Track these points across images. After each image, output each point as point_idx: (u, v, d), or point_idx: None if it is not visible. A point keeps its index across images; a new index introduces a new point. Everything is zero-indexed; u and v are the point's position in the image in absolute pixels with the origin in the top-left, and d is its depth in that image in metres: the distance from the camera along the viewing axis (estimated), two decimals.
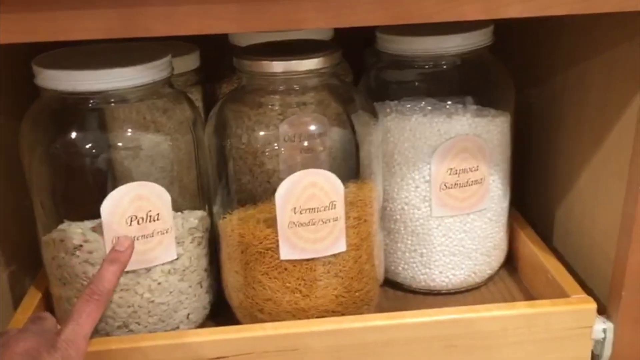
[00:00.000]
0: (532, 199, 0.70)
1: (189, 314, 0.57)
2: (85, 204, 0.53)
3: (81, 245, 0.53)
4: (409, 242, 0.62)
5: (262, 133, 0.55)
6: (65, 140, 0.52)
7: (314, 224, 0.53)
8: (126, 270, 0.53)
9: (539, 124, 0.68)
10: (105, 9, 0.39)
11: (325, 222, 0.54)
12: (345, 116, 0.55)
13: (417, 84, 0.61)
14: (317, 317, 0.55)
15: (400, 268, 0.64)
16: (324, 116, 0.54)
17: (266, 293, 0.56)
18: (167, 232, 0.54)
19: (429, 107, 0.59)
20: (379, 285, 0.61)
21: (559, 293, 0.57)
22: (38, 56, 0.54)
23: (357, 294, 0.57)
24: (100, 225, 0.52)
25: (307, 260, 0.55)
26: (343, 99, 0.56)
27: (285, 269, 0.55)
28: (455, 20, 0.44)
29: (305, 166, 0.53)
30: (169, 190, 0.54)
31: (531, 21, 0.46)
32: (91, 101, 0.52)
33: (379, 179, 0.58)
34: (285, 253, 0.54)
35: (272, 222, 0.54)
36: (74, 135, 0.52)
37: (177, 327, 0.57)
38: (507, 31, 0.61)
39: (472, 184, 0.60)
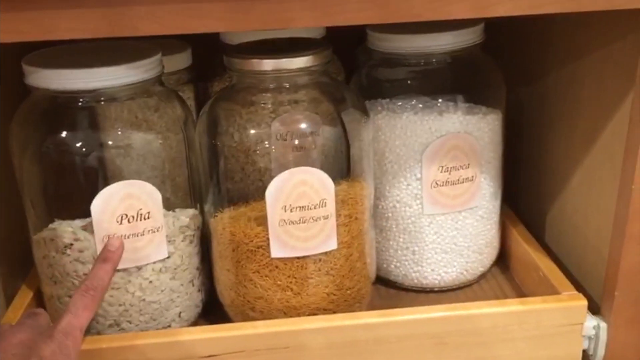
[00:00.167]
0: (525, 197, 0.71)
1: (180, 313, 0.57)
2: (76, 203, 0.53)
3: (72, 244, 0.53)
4: (401, 240, 0.62)
5: (253, 131, 0.55)
6: (55, 139, 0.52)
7: (304, 222, 0.53)
8: (117, 268, 0.53)
9: (531, 122, 0.68)
10: (91, 9, 0.39)
11: (316, 220, 0.54)
12: (336, 114, 0.56)
13: (408, 82, 0.61)
14: (308, 315, 0.56)
15: (392, 266, 0.64)
16: (316, 114, 0.54)
17: (257, 291, 0.56)
18: (158, 230, 0.54)
19: (420, 105, 0.59)
20: (371, 283, 0.61)
21: (551, 290, 0.57)
22: (28, 55, 0.53)
23: (348, 291, 0.57)
24: (90, 224, 0.52)
25: (298, 258, 0.55)
26: (334, 97, 0.56)
27: (277, 267, 0.55)
28: (444, 19, 0.44)
29: (297, 164, 0.53)
30: (160, 189, 0.54)
31: (522, 19, 0.46)
32: (81, 100, 0.52)
33: (370, 177, 0.58)
34: (276, 251, 0.54)
35: (263, 220, 0.54)
36: (64, 134, 0.52)
37: (169, 326, 0.57)
38: (498, 29, 0.61)
39: (463, 182, 0.60)
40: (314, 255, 0.55)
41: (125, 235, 0.52)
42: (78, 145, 0.52)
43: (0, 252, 0.60)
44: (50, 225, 0.54)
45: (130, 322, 0.55)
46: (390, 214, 0.62)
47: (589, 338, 0.54)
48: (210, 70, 0.69)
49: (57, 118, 0.53)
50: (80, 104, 0.52)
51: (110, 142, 0.53)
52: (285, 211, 0.53)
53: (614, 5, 0.45)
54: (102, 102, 0.52)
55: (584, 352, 0.55)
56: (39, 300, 0.59)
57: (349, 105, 0.56)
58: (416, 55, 0.59)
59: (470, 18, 0.44)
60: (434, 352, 0.53)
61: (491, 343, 0.54)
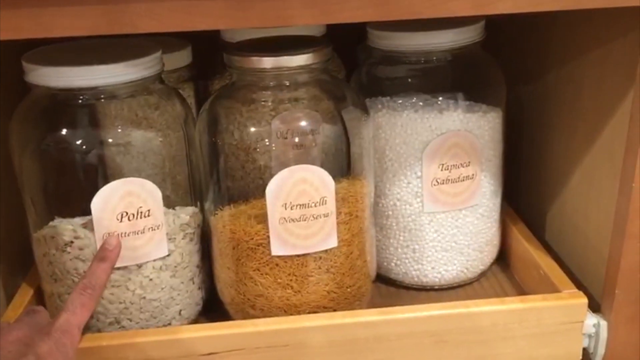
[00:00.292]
0: (525, 196, 0.70)
1: (180, 310, 0.57)
2: (76, 201, 0.53)
3: (72, 242, 0.53)
4: (401, 238, 0.62)
5: (253, 129, 0.55)
6: (55, 137, 0.52)
7: (304, 220, 0.53)
8: (117, 266, 0.53)
9: (531, 120, 0.68)
10: (91, 6, 0.39)
11: (316, 218, 0.54)
12: (337, 112, 0.55)
13: (408, 80, 0.61)
14: (308, 313, 0.56)
15: (392, 264, 0.64)
16: (316, 112, 0.54)
17: (258, 289, 0.56)
18: (158, 228, 0.54)
19: (421, 103, 0.59)
20: (372, 281, 0.61)
21: (551, 288, 0.57)
22: (28, 53, 0.53)
23: (348, 289, 0.57)
24: (91, 222, 0.52)
25: (299, 256, 0.55)
26: (334, 95, 0.56)
27: (277, 265, 0.55)
28: (445, 17, 0.44)
29: (297, 162, 0.53)
30: (160, 187, 0.54)
31: (523, 17, 0.46)
32: (81, 97, 0.52)
33: (371, 175, 0.58)
34: (277, 249, 0.54)
35: (263, 218, 0.54)
36: (64, 131, 0.52)
37: (169, 324, 0.57)
38: (498, 27, 0.61)
39: (463, 180, 0.60)
40: (314, 253, 0.55)
41: (125, 233, 0.52)
42: (78, 142, 0.52)
43: (1, 250, 0.60)
44: (51, 223, 0.54)
45: (130, 320, 0.55)
46: (390, 212, 0.62)
47: (589, 336, 0.54)
48: (210, 68, 0.69)
49: (57, 116, 0.53)
50: (80, 101, 0.52)
51: (110, 140, 0.53)
52: (286, 209, 0.53)
53: (614, 3, 0.45)
54: (102, 100, 0.52)
55: (584, 350, 0.55)
56: (39, 298, 0.59)
57: (349, 103, 0.56)
58: (416, 53, 0.59)
59: (470, 16, 0.44)
60: (434, 350, 0.53)
61: (491, 341, 0.54)
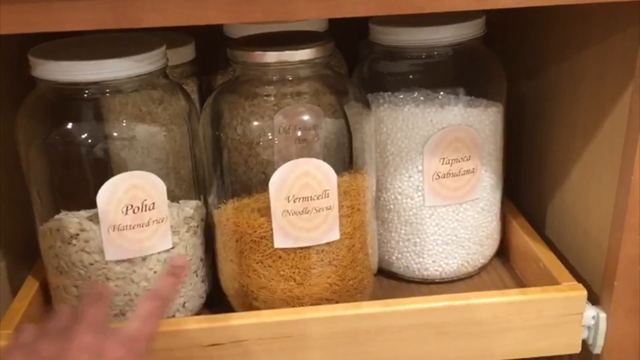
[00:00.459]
0: (525, 189, 0.71)
1: (184, 303, 0.58)
2: (82, 194, 0.54)
3: (77, 234, 0.54)
4: (403, 231, 0.63)
5: (256, 123, 0.55)
6: (61, 131, 0.53)
7: (307, 213, 0.54)
8: (122, 259, 0.53)
9: (531, 115, 0.68)
10: (98, 0, 0.40)
11: (319, 211, 0.54)
12: (339, 107, 0.56)
13: (410, 74, 0.61)
14: (311, 305, 0.56)
15: (394, 257, 0.64)
16: (318, 107, 0.55)
17: (261, 281, 0.56)
18: (162, 221, 0.54)
19: (422, 98, 0.59)
20: (373, 274, 0.62)
21: (551, 281, 0.58)
22: (34, 47, 0.54)
23: (350, 282, 0.58)
24: (96, 215, 0.53)
25: (301, 248, 0.55)
26: (336, 90, 0.57)
27: (280, 257, 0.55)
28: (446, 11, 0.44)
29: (299, 156, 0.54)
30: (164, 181, 0.54)
31: (523, 12, 0.46)
32: (87, 92, 0.52)
33: (372, 169, 0.59)
34: (279, 241, 0.55)
35: (266, 211, 0.54)
36: (70, 125, 0.53)
37: (173, 316, 0.57)
38: (499, 22, 0.61)
39: (464, 174, 0.60)
40: (317, 245, 0.55)
41: (130, 226, 0.53)
42: (83, 137, 0.53)
43: (7, 243, 0.60)
44: (56, 216, 0.55)
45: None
46: (392, 206, 0.62)
47: (589, 328, 0.55)
48: (213, 63, 0.70)
49: (63, 110, 0.53)
50: (85, 95, 0.52)
51: (115, 134, 0.54)
52: (289, 202, 0.53)
53: None
54: (107, 94, 0.53)
55: (584, 341, 0.55)
56: (45, 291, 0.60)
57: (351, 97, 0.57)
58: (418, 48, 0.59)
59: (471, 11, 0.44)
60: (434, 342, 0.54)
61: (492, 333, 0.54)
